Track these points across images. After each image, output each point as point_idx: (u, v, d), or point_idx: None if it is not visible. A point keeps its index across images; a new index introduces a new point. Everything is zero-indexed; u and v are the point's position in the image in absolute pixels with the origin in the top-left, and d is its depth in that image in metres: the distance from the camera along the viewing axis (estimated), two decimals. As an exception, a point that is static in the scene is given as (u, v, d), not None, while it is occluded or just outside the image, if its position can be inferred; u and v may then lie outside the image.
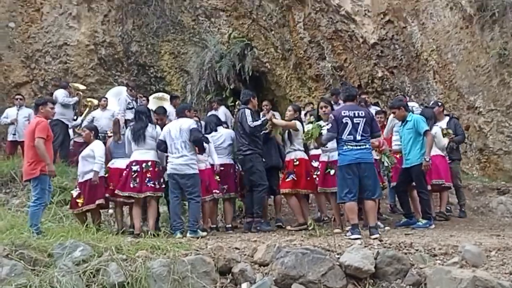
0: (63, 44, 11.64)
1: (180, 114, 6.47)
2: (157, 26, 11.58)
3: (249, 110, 6.55)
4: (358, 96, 6.87)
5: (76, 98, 9.97)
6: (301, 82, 10.89)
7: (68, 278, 3.69)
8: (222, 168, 6.69)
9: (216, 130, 6.91)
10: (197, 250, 4.55)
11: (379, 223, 6.06)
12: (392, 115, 6.79)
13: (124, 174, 6.29)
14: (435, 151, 6.67)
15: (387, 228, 6.08)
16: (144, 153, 6.26)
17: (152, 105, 9.67)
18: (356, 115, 5.57)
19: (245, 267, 4.25)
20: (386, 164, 6.35)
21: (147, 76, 12.01)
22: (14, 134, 9.81)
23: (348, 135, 5.51)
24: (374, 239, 5.07)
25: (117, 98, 10.06)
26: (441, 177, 6.83)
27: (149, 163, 6.20)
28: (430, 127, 6.55)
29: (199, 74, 11.02)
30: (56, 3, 11.59)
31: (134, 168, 6.19)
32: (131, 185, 6.15)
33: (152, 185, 6.15)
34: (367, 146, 5.56)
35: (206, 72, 10.91)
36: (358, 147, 5.48)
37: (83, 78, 11.63)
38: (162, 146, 6.24)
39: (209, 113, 9.42)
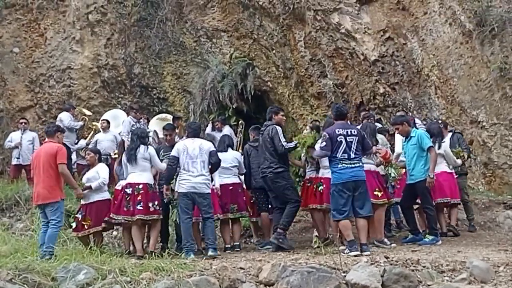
0: (66, 68, 11.75)
1: (195, 133, 6.44)
2: (159, 48, 11.70)
3: (280, 129, 6.43)
4: (367, 111, 6.94)
5: (81, 123, 10.06)
6: (303, 100, 10.93)
7: (72, 301, 3.66)
8: (231, 188, 6.78)
9: (226, 151, 6.96)
10: (202, 271, 4.51)
11: (385, 240, 6.00)
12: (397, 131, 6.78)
13: (119, 197, 6.28)
14: (440, 168, 6.65)
15: (393, 245, 6.01)
16: (137, 176, 6.20)
17: (155, 126, 9.74)
18: (349, 133, 5.68)
19: (250, 287, 4.20)
20: (393, 175, 6.32)
21: (150, 98, 12.09)
22: (18, 158, 9.86)
23: (342, 153, 5.60)
24: (366, 256, 5.14)
25: (115, 121, 10.12)
26: (446, 195, 6.77)
27: (140, 186, 6.12)
28: (438, 144, 6.55)
29: (202, 94, 11.09)
30: (59, 27, 11.76)
31: (128, 191, 6.16)
32: (125, 209, 6.11)
33: (141, 208, 6.04)
34: (360, 164, 5.67)
35: (208, 92, 10.98)
36: (353, 165, 5.57)
37: (87, 101, 11.71)
38: (175, 163, 6.10)
39: (207, 132, 9.49)
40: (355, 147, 5.61)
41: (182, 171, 6.07)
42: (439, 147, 6.67)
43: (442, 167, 6.77)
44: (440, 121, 7.73)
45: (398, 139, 6.87)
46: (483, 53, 8.35)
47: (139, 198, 6.06)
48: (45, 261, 4.69)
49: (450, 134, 7.55)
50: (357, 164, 5.60)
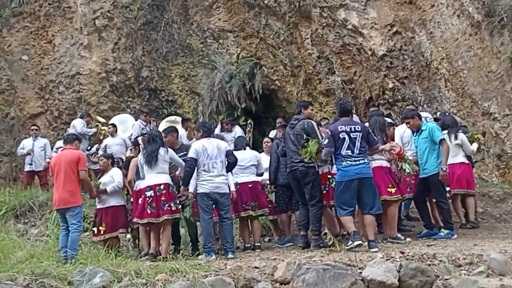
0: (75, 74, 11.84)
1: (210, 133, 6.42)
2: (166, 50, 11.74)
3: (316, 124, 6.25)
4: (376, 107, 6.87)
5: (94, 130, 10.14)
6: (311, 97, 10.89)
7: (89, 305, 3.67)
8: (250, 186, 6.78)
9: (245, 149, 7.01)
10: (217, 271, 4.50)
11: (399, 235, 5.95)
12: (400, 128, 6.75)
13: (140, 202, 6.24)
14: (457, 159, 6.59)
15: (408, 239, 5.96)
16: (156, 177, 6.16)
17: (164, 128, 9.77)
18: (353, 129, 5.63)
19: (266, 286, 4.18)
20: (407, 170, 6.25)
21: (158, 100, 12.13)
22: (31, 164, 9.97)
23: (346, 150, 5.55)
24: (374, 252, 5.11)
25: (122, 126, 10.17)
26: (463, 187, 6.71)
27: (162, 186, 6.10)
28: (454, 134, 6.48)
29: (210, 95, 11.10)
30: (67, 34, 11.85)
31: (148, 193, 6.11)
32: (148, 211, 6.08)
33: (168, 208, 6.08)
34: (365, 160, 5.61)
35: (216, 93, 10.98)
36: (357, 162, 5.53)
37: (96, 106, 11.80)
38: (194, 164, 6.03)
39: (216, 133, 9.48)
40: (359, 144, 5.57)
41: (202, 172, 6.02)
42: (456, 138, 6.61)
43: (459, 158, 6.69)
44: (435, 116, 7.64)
45: (397, 133, 6.82)
46: (492, 44, 8.26)
47: (163, 198, 6.06)
48: (61, 266, 4.71)
49: None
50: (362, 161, 5.55)
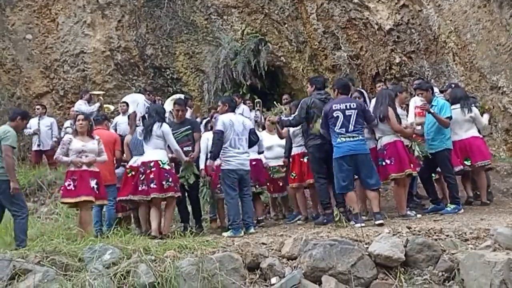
0: (80, 52, 11.80)
1: (234, 108, 6.28)
2: (170, 27, 11.64)
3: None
4: (383, 82, 6.79)
5: (97, 104, 10.14)
6: (317, 73, 10.78)
7: (100, 281, 3.73)
8: (254, 163, 6.64)
9: None
10: (224, 248, 4.55)
11: (408, 212, 5.95)
12: (415, 98, 6.64)
13: (134, 178, 6.12)
14: (471, 133, 6.54)
15: (418, 215, 5.96)
16: (150, 153, 5.97)
17: (170, 107, 9.74)
18: (348, 107, 5.64)
19: (273, 261, 4.23)
20: (416, 153, 6.19)
21: (163, 78, 12.08)
22: (39, 145, 10.03)
23: (340, 127, 5.59)
24: (379, 225, 5.23)
25: (134, 105, 10.15)
26: (477, 160, 6.57)
27: (152, 164, 5.87)
28: (467, 108, 6.41)
29: (215, 72, 11.04)
30: (70, 12, 11.75)
31: (141, 170, 5.95)
32: (139, 188, 5.93)
33: (155, 187, 5.80)
34: (360, 137, 5.63)
35: (221, 70, 10.92)
36: (351, 139, 5.56)
37: (101, 85, 11.78)
38: (222, 136, 5.86)
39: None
40: (354, 121, 5.59)
41: (229, 147, 5.89)
42: (470, 111, 6.52)
43: (473, 132, 6.62)
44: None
45: (412, 103, 6.71)
46: (502, 16, 8.09)
47: (151, 176, 5.83)
48: (71, 243, 4.77)
49: None
50: (357, 138, 5.58)
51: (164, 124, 6.05)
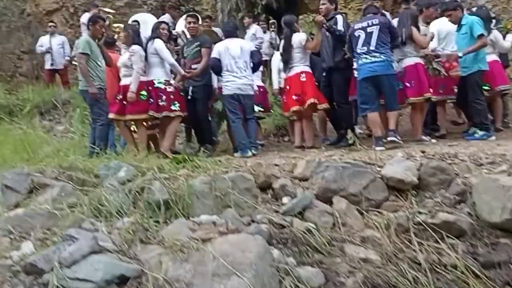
0: (89, -33, 11.32)
1: (231, 34, 6.22)
2: None
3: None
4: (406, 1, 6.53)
5: (106, 22, 9.85)
6: (337, -7, 10.29)
7: (115, 196, 3.81)
8: (261, 90, 6.77)
9: None
10: (237, 168, 4.58)
11: (423, 137, 5.89)
12: (436, 21, 6.31)
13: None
14: (491, 57, 6.28)
15: (433, 140, 5.90)
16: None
17: (183, 26, 9.44)
18: (370, 24, 5.44)
19: (285, 182, 4.26)
20: (430, 73, 6.00)
21: (176, -4, 11.65)
22: (52, 63, 9.96)
23: (362, 46, 5.43)
24: (391, 141, 5.37)
25: (144, 26, 9.84)
26: (498, 84, 6.44)
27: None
28: (488, 30, 6.09)
29: (229, -10, 10.58)
30: None
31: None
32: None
33: (152, 105, 5.82)
34: (382, 57, 5.39)
35: (236, -11, 10.46)
36: (372, 60, 5.38)
37: (112, 2, 11.45)
38: (217, 64, 5.97)
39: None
40: (376, 38, 5.37)
41: (226, 72, 5.97)
42: (489, 33, 6.21)
43: (492, 56, 6.36)
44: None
45: (433, 27, 6.38)
46: None
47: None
48: (87, 160, 4.86)
49: None
50: (378, 58, 5.38)
51: (156, 39, 5.98)
